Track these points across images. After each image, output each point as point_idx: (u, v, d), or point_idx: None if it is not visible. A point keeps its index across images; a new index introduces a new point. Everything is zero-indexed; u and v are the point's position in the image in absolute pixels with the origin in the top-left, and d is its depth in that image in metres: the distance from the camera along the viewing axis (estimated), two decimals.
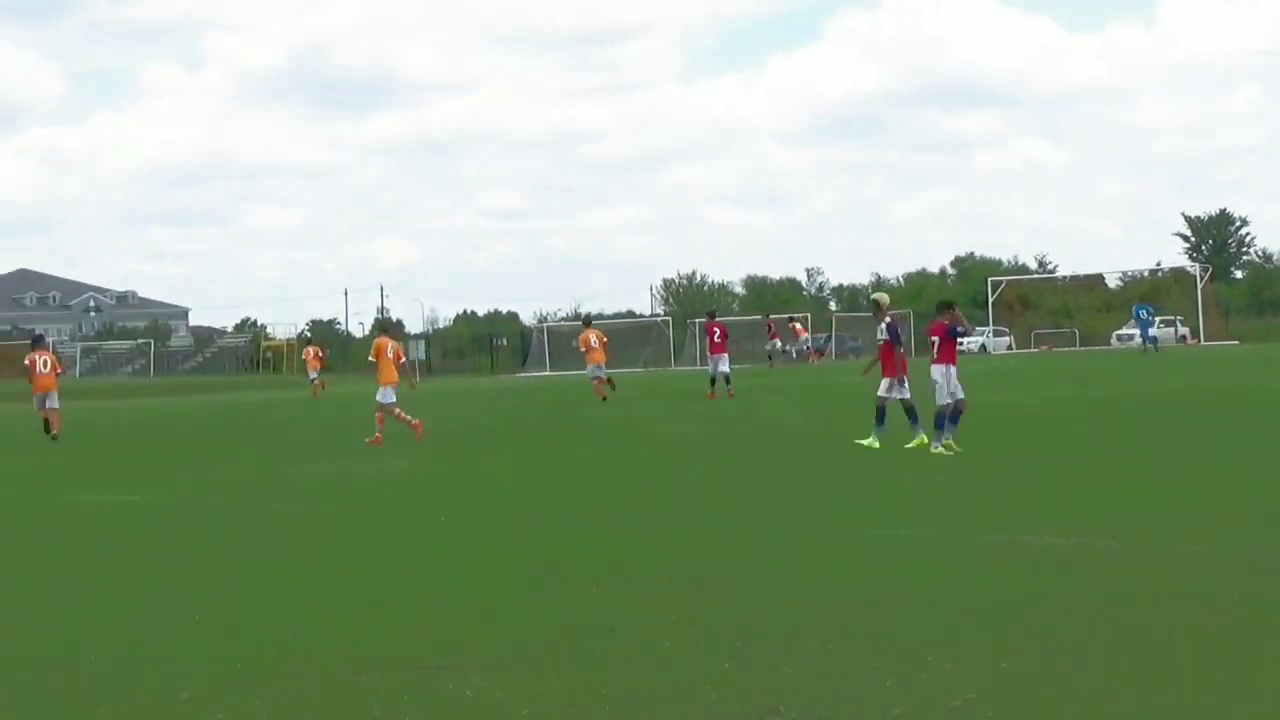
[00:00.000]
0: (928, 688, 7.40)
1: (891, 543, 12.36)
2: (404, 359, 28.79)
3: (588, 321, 46.08)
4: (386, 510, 16.68)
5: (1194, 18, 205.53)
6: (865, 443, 21.28)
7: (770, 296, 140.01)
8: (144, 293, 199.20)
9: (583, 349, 41.21)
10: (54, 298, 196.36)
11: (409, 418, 27.52)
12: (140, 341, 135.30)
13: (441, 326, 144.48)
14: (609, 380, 40.44)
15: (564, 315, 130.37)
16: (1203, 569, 10.46)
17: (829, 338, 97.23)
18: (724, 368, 39.24)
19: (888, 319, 22.59)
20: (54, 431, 32.54)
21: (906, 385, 21.84)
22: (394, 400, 27.72)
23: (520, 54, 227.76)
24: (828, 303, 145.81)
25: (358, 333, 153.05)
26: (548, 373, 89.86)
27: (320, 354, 59.55)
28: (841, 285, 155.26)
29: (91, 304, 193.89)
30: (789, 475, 18.61)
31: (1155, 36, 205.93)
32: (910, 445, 21.07)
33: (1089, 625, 8.72)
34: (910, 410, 21.66)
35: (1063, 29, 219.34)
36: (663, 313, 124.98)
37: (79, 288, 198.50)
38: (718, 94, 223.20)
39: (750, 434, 26.62)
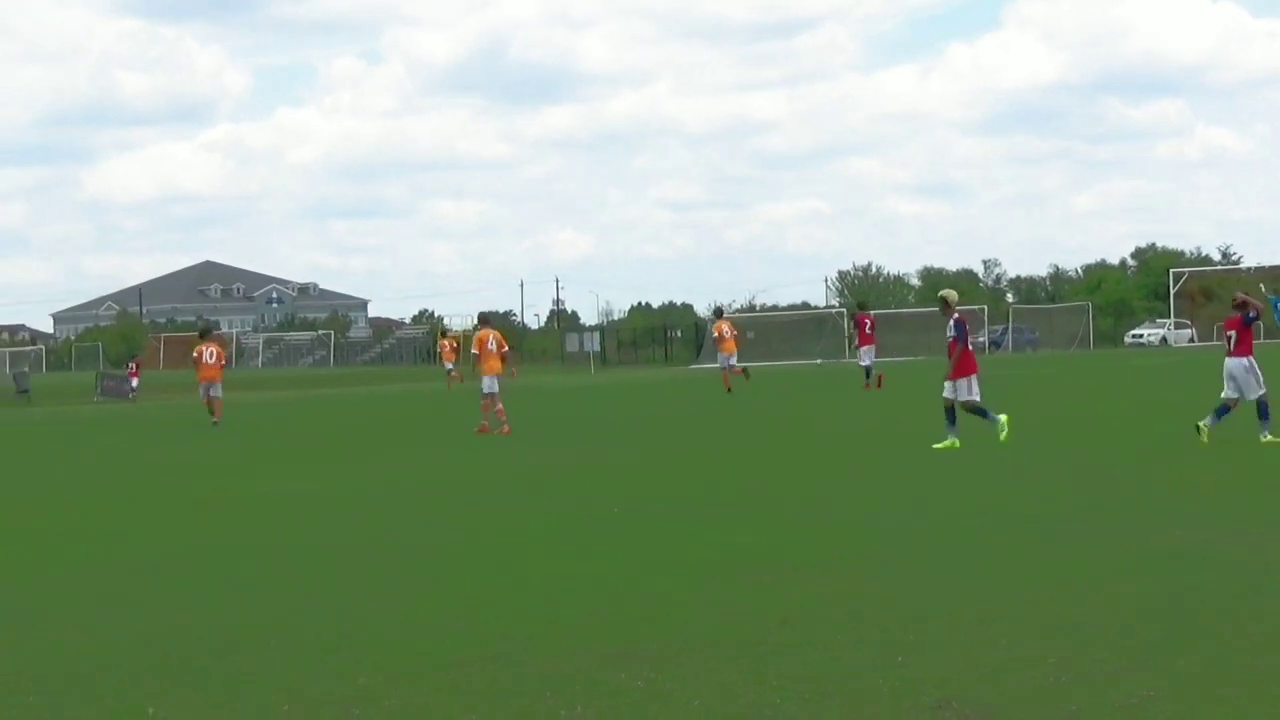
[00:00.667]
0: (1103, 683, 7.31)
1: (1066, 537, 12.22)
2: (505, 348, 28.81)
3: (720, 313, 46.41)
4: (558, 500, 16.74)
5: None
6: (941, 446, 20.57)
7: (946, 288, 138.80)
8: (325, 285, 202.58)
9: (715, 338, 41.56)
10: (238, 289, 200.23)
11: (504, 418, 27.42)
12: (320, 333, 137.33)
13: (616, 318, 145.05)
14: (743, 370, 40.53)
15: (739, 307, 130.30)
16: None
17: (1005, 330, 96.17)
18: (866, 361, 40.15)
19: (955, 316, 21.83)
20: (215, 419, 33.87)
21: (975, 386, 21.13)
22: (496, 390, 27.83)
23: (696, 45, 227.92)
24: (1004, 295, 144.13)
25: (533, 324, 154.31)
26: (714, 366, 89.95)
27: (455, 345, 59.98)
28: (1019, 277, 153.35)
29: (274, 296, 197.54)
30: (955, 468, 18.43)
31: None
32: (938, 446, 20.53)
33: (1270, 621, 8.55)
34: (976, 411, 21.01)
35: (1247, 13, 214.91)
36: (837, 304, 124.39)
37: (262, 280, 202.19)
38: (895, 84, 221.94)
39: (912, 426, 26.42)
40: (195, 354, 34.79)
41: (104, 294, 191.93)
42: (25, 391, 57.30)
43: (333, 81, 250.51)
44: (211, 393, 34.33)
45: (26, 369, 77.79)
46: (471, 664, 8.32)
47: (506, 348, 28.81)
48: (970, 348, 21.70)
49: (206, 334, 37.97)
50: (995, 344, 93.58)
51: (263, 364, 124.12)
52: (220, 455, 26.00)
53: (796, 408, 35.04)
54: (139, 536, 15.04)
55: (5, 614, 10.64)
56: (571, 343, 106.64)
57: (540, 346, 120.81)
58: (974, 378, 21.25)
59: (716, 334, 41.04)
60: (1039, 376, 46.30)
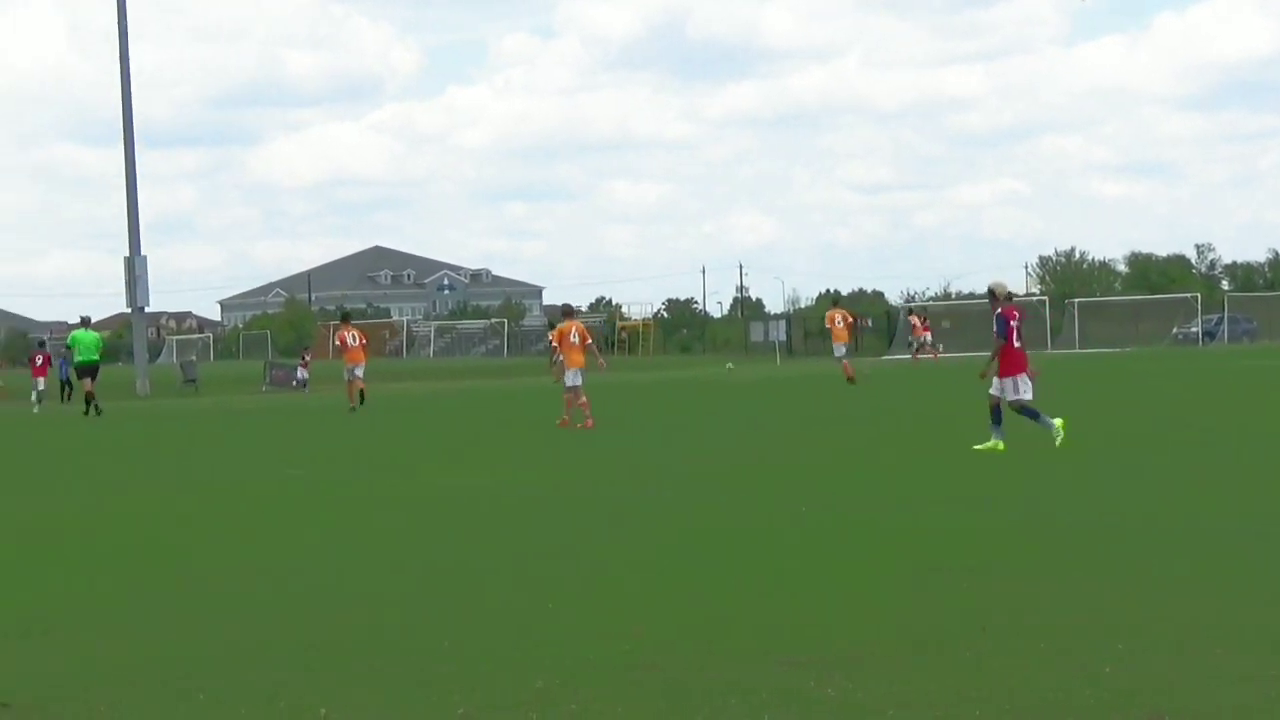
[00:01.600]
0: None
1: (1255, 544, 12.02)
2: (589, 340, 29.98)
3: (835, 301, 46.18)
4: (743, 497, 16.77)
5: None
6: (983, 447, 20.17)
7: (1156, 275, 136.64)
8: (498, 271, 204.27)
9: (828, 327, 41.50)
10: (408, 275, 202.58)
11: (588, 411, 28.15)
12: (494, 321, 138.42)
13: (803, 306, 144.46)
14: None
15: (933, 295, 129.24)
16: None
17: (1220, 320, 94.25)
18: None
19: (999, 310, 21.08)
20: (352, 404, 36.24)
21: (1021, 385, 20.57)
22: (580, 383, 28.67)
23: (887, 17, 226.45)
24: (1220, 281, 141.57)
25: (715, 312, 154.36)
26: (905, 356, 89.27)
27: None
28: (1235, 263, 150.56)
29: (445, 282, 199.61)
30: (1144, 467, 18.19)
31: None
32: (979, 447, 20.19)
33: None
34: (1025, 412, 20.45)
35: None
36: (1039, 292, 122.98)
37: (433, 265, 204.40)
38: (1099, 57, 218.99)
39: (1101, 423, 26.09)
40: (338, 339, 36.81)
41: (272, 280, 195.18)
42: (192, 381, 58.49)
43: (505, 59, 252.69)
44: (356, 373, 36.34)
45: (194, 358, 79.53)
46: (651, 667, 8.36)
47: (589, 340, 29.90)
48: (1019, 344, 20.97)
49: (347, 318, 42.65)
50: (1209, 334, 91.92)
51: (434, 353, 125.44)
52: (393, 447, 26.39)
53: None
54: (313, 533, 15.30)
55: (193, 606, 10.88)
56: (756, 332, 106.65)
57: (724, 336, 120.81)
58: (1021, 377, 20.69)
59: (829, 323, 41.00)
60: (1255, 369, 45.46)
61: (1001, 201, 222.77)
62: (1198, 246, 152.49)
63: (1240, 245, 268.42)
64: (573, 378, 28.47)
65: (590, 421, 27.52)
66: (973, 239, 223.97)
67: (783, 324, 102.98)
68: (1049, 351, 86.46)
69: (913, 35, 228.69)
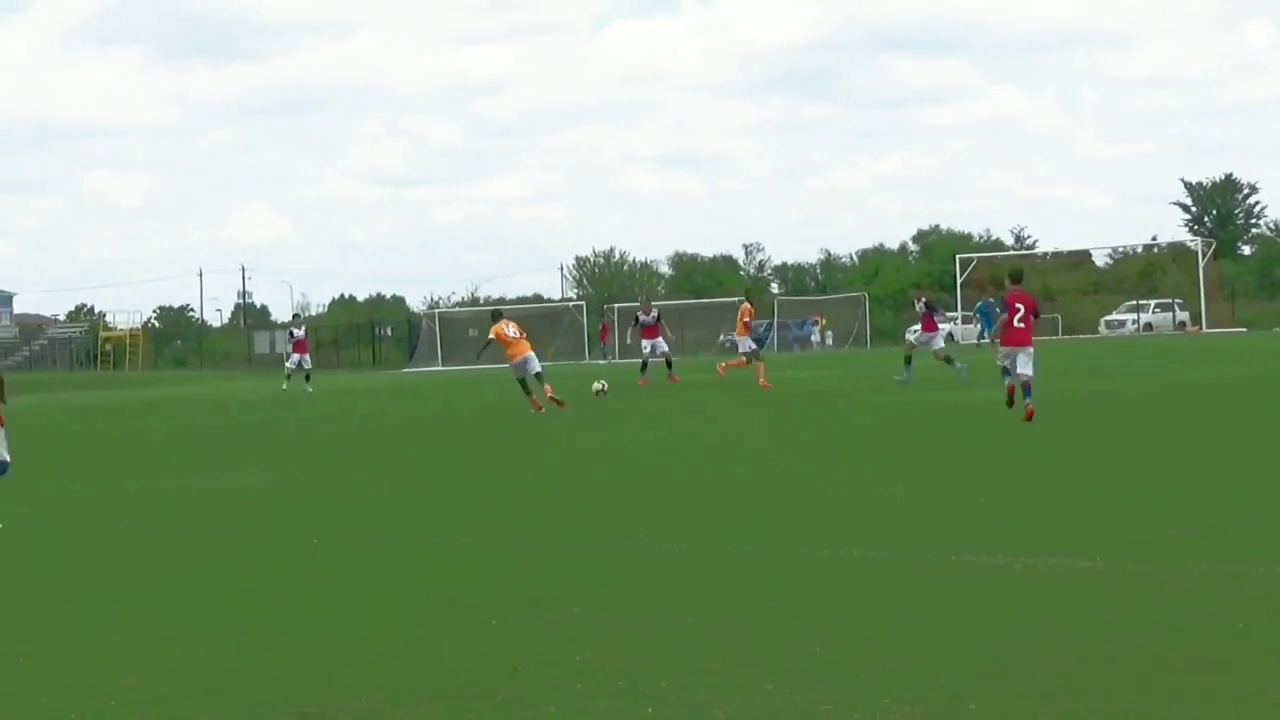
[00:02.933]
0: None
1: (842, 564, 12.43)
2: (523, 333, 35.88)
3: (498, 315, 46.35)
4: (249, 532, 16.62)
5: None
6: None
7: (701, 277, 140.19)
8: None
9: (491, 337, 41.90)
10: None
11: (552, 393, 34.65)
12: None
13: (314, 314, 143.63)
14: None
15: (458, 300, 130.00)
16: (1204, 590, 10.56)
17: (769, 325, 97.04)
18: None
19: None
20: None
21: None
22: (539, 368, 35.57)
23: None
24: (769, 284, 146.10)
25: (215, 321, 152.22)
26: (440, 368, 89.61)
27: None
28: (785, 264, 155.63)
29: None
30: (722, 486, 18.67)
31: None
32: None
33: (1070, 658, 8.79)
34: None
35: None
36: (575, 297, 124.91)
37: None
38: (637, 40, 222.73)
39: (682, 442, 26.70)
40: None
41: None
42: None
43: None
44: None
45: None
46: None
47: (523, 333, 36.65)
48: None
49: None
50: (759, 341, 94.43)
51: None
52: None
53: (525, 419, 35.09)
54: None
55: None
56: (261, 343, 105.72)
57: (225, 348, 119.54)
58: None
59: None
60: (807, 379, 47.02)
61: (533, 197, 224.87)
62: (746, 246, 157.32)
63: (790, 245, 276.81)
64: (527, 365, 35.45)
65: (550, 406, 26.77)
66: (503, 238, 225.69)
67: (289, 334, 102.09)
68: (586, 361, 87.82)
69: (431, 12, 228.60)
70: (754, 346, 43.84)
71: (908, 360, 39.78)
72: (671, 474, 20.52)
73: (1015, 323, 26.50)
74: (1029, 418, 25.22)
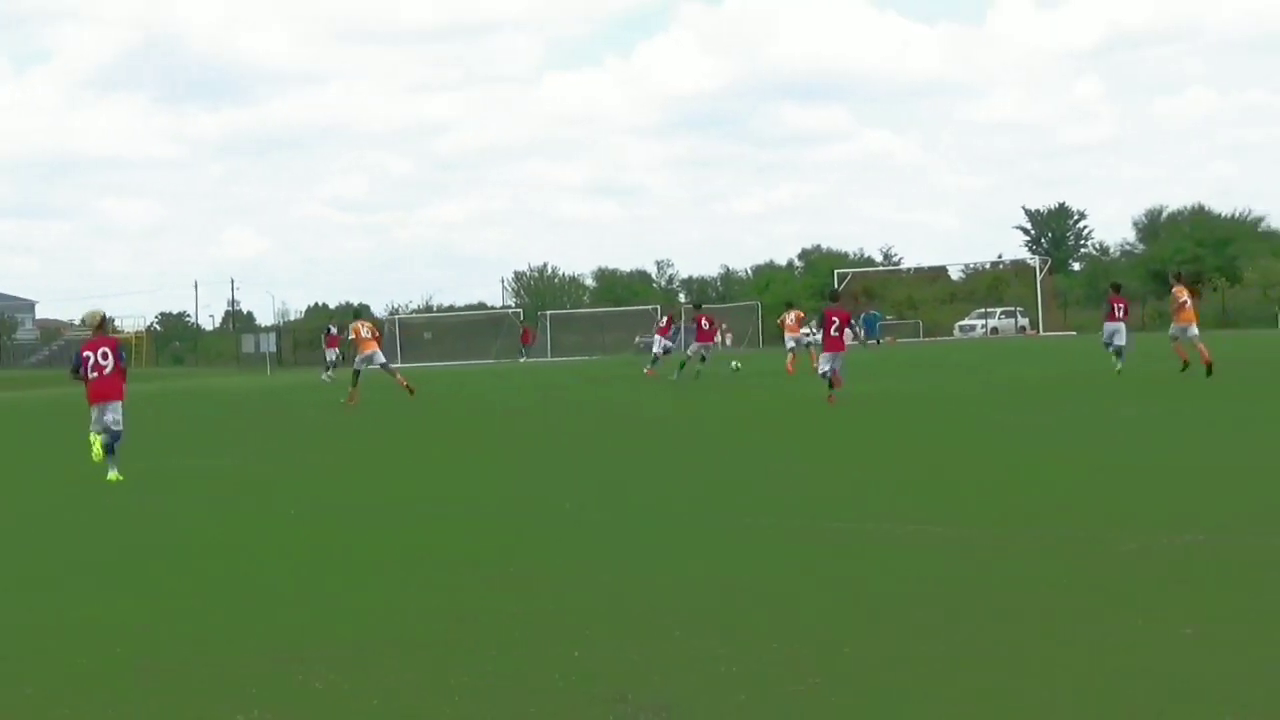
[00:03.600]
0: (771, 674, 7.44)
1: (737, 530, 12.44)
2: (378, 334, 37.19)
3: (358, 314, 46.45)
4: (232, 504, 16.51)
5: (1034, 12, 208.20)
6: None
7: (621, 288, 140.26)
8: None
9: (351, 337, 41.63)
10: None
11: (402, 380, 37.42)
12: None
13: (293, 319, 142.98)
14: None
15: (415, 308, 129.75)
16: (1042, 554, 10.61)
17: (678, 329, 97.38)
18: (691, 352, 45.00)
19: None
20: None
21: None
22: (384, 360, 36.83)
23: (369, 46, 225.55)
24: (677, 295, 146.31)
25: (208, 325, 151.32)
26: (399, 364, 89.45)
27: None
28: (691, 277, 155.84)
29: None
30: (639, 463, 18.68)
31: (997, 30, 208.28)
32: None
33: (930, 610, 8.82)
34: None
35: (909, 21, 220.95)
36: (514, 305, 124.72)
37: None
38: (568, 88, 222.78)
39: (606, 423, 26.67)
40: None
41: None
42: None
43: None
44: None
45: None
46: (140, 671, 8.11)
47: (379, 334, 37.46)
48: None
49: None
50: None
51: None
52: None
53: (477, 407, 35.03)
54: None
55: None
56: (247, 344, 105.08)
57: (216, 348, 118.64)
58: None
59: (355, 334, 40.87)
60: (709, 375, 47.08)
61: (481, 220, 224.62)
62: (658, 262, 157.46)
63: (696, 261, 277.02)
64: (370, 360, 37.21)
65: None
66: (454, 255, 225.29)
67: (273, 336, 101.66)
68: (523, 360, 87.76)
69: (393, 64, 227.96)
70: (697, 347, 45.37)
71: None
72: (598, 451, 20.51)
73: (831, 333, 29.48)
74: (833, 400, 28.30)
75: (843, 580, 9.96)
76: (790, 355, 46.51)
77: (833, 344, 29.55)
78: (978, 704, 6.80)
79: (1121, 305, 35.99)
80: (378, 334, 38.81)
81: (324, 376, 56.83)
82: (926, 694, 7.02)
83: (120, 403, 19.51)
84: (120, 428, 19.45)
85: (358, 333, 38.76)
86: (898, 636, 8.14)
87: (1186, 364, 32.54)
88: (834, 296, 32.40)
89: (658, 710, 6.91)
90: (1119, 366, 34.34)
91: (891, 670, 7.44)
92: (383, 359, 38.21)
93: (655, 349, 48.55)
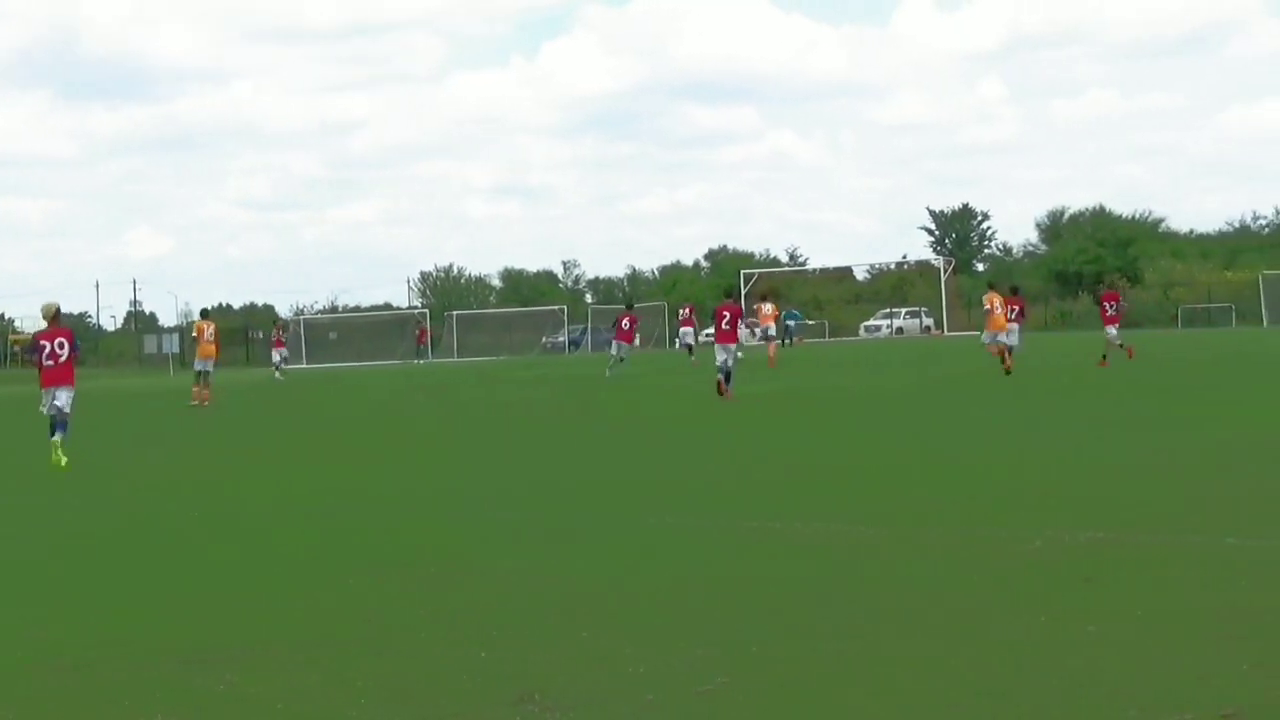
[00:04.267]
0: (680, 673, 7.46)
1: (644, 530, 12.46)
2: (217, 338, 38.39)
3: (204, 314, 46.25)
4: (138, 506, 16.38)
5: (936, 14, 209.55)
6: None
7: (527, 288, 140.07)
8: None
9: (193, 335, 41.48)
10: None
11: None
12: None
13: (197, 319, 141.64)
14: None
15: (320, 308, 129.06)
16: (946, 552, 10.69)
17: (584, 329, 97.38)
18: (616, 351, 46.33)
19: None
20: None
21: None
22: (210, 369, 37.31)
23: (276, 45, 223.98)
24: (584, 295, 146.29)
25: (109, 326, 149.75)
26: (304, 365, 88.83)
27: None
28: (598, 278, 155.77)
29: None
30: (544, 464, 18.67)
31: (900, 32, 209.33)
32: None
33: (836, 609, 8.86)
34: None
35: (813, 22, 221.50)
36: (420, 305, 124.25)
37: None
38: (474, 88, 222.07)
39: (510, 423, 26.64)
40: None
41: None
42: None
43: None
44: None
45: None
46: (41, 676, 8.03)
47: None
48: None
49: None
50: (575, 343, 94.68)
51: None
52: None
53: (379, 407, 34.90)
54: None
55: None
56: (150, 344, 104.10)
57: (118, 348, 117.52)
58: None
59: (197, 334, 40.50)
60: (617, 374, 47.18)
61: (385, 220, 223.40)
62: (564, 263, 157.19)
63: (602, 262, 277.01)
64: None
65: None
66: (358, 255, 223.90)
67: (176, 336, 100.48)
68: (430, 360, 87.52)
69: (299, 63, 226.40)
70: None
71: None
72: (502, 451, 20.49)
73: (723, 326, 31.12)
74: (724, 394, 29.90)
75: (750, 580, 9.99)
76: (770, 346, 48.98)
77: (724, 336, 31.10)
78: (882, 701, 6.84)
79: (1017, 306, 38.02)
80: (217, 338, 39.18)
81: (276, 375, 59.25)
82: (832, 692, 7.05)
83: (71, 388, 21.19)
84: (69, 411, 21.05)
85: (200, 332, 38.92)
86: (804, 635, 8.17)
87: (1008, 369, 35.02)
88: (728, 293, 35.93)
89: (565, 710, 6.90)
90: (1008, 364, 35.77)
91: (797, 668, 7.47)
92: (209, 367, 38.63)
93: (688, 340, 55.06)
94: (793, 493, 14.62)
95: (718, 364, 30.76)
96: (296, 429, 28.56)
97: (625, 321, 46.70)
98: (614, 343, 47.05)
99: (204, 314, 42.69)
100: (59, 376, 21.04)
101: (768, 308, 52.38)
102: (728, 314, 31.50)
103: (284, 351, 63.92)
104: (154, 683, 7.70)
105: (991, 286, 41.59)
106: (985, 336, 38.67)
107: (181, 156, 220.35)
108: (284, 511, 15.08)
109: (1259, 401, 24.10)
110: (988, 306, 38.49)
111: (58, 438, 20.82)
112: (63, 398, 20.89)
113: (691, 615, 8.85)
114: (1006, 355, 35.61)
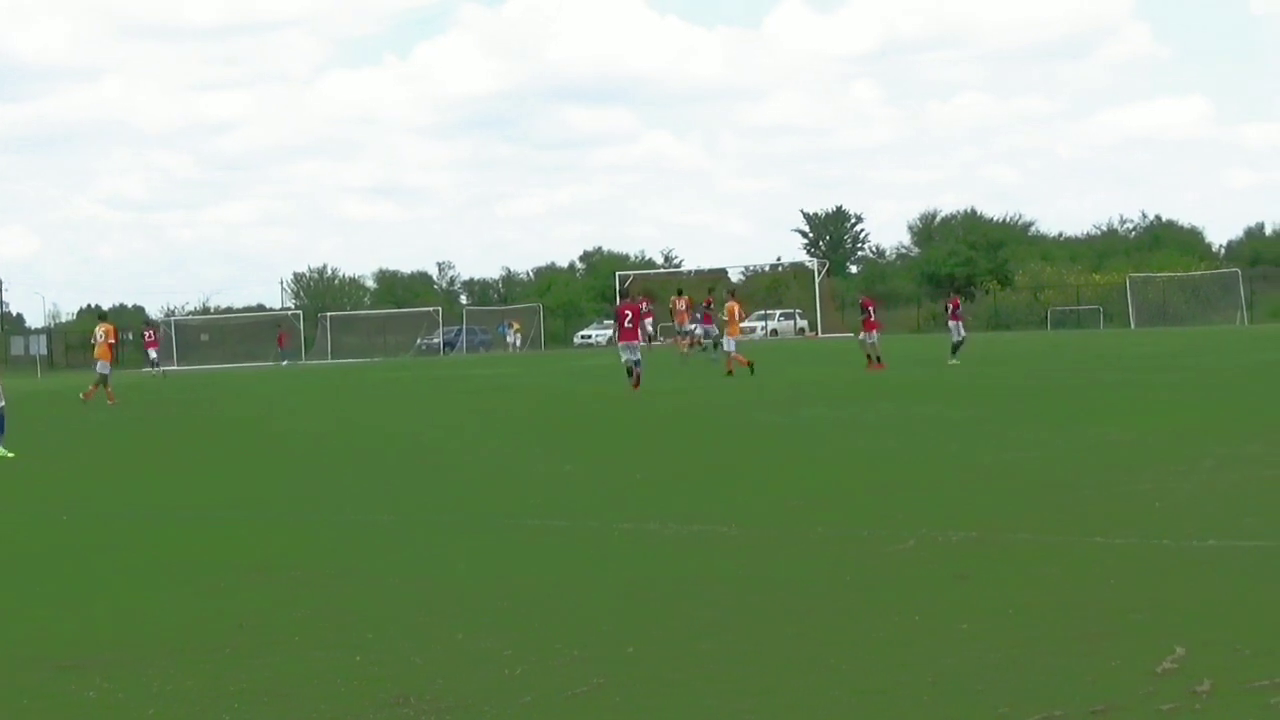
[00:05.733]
0: (556, 674, 7.46)
1: (522, 533, 12.45)
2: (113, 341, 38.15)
3: (102, 316, 46.02)
4: (5, 507, 16.14)
5: (811, 17, 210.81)
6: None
7: (402, 290, 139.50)
8: None
9: (724, 320, 41.37)
10: None
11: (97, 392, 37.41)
12: None
13: (64, 320, 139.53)
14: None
15: (192, 309, 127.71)
16: (820, 550, 10.77)
17: (460, 331, 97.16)
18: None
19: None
20: None
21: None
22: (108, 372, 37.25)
23: (149, 43, 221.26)
24: (459, 296, 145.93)
25: None
26: (175, 367, 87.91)
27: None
28: (473, 279, 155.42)
29: None
30: (419, 467, 18.62)
31: (774, 34, 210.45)
32: None
33: (712, 608, 8.90)
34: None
35: (689, 24, 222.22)
36: (293, 307, 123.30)
37: None
38: (353, 88, 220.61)
39: (390, 426, 26.52)
40: None
41: None
42: None
43: None
44: None
45: None
46: None
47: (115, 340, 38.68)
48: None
49: None
50: (450, 344, 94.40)
51: None
52: None
53: (247, 411, 34.58)
54: None
55: None
56: (16, 346, 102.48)
57: None
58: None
59: (728, 315, 40.12)
60: (494, 376, 47.05)
61: (259, 221, 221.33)
62: (439, 264, 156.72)
63: (477, 263, 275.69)
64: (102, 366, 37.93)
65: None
66: (232, 256, 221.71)
67: (43, 338, 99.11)
68: (303, 362, 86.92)
69: (171, 61, 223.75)
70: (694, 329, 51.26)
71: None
72: (382, 455, 20.39)
73: (625, 325, 32.99)
74: (637, 387, 31.66)
75: (626, 581, 10.01)
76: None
77: (627, 335, 32.94)
78: (758, 700, 6.88)
79: (870, 307, 40.87)
80: (111, 341, 39.37)
81: (155, 372, 62.37)
82: (707, 691, 7.08)
83: None
84: None
85: (109, 335, 39.04)
86: (680, 635, 8.21)
87: (730, 372, 37.58)
88: (625, 293, 37.34)
89: (441, 712, 6.89)
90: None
91: (673, 668, 7.50)
92: (107, 370, 38.87)
93: (696, 331, 52.25)
94: (665, 494, 14.67)
95: (623, 362, 32.81)
96: (168, 432, 28.26)
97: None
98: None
99: (102, 316, 43.79)
100: None
101: (682, 304, 52.92)
102: (629, 313, 33.36)
103: (157, 351, 66.25)
104: (23, 690, 7.60)
105: (732, 295, 42.29)
106: (726, 342, 39.83)
107: (51, 155, 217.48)
108: (156, 516, 14.90)
109: (1127, 405, 24.50)
110: (727, 316, 39.81)
111: None
112: None
113: (569, 617, 8.85)
114: (741, 359, 37.63)
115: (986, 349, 50.05)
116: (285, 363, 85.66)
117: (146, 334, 67.15)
